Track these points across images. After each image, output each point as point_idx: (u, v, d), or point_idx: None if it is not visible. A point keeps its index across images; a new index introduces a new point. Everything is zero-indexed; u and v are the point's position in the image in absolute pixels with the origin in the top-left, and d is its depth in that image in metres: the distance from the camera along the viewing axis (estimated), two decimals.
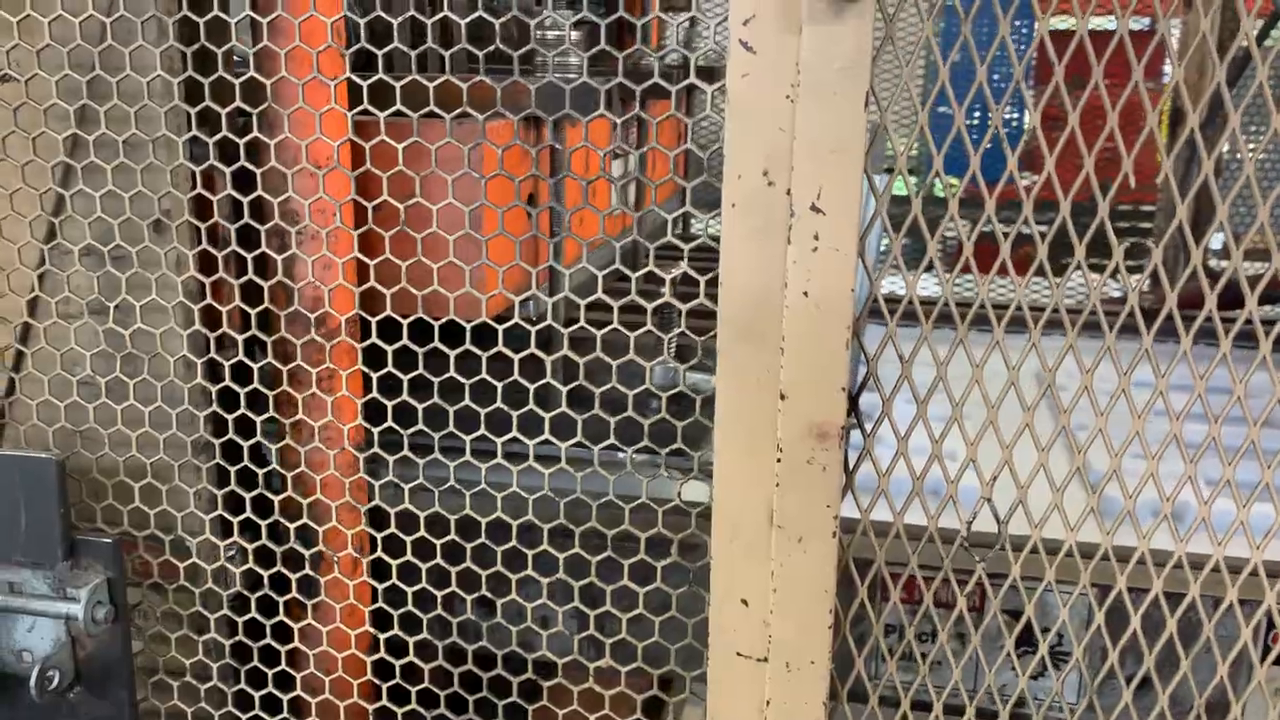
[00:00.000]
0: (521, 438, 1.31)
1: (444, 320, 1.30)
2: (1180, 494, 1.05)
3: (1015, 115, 5.09)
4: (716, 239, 1.03)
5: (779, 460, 1.03)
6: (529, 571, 1.32)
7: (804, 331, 0.99)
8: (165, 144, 1.27)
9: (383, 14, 1.25)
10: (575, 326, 1.25)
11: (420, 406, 1.33)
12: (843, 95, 0.94)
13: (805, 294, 0.99)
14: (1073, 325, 1.00)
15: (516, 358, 1.26)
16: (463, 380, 1.28)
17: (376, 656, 1.47)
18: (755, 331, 1.01)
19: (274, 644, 1.45)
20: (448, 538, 1.33)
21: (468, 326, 1.27)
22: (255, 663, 1.44)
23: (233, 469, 1.38)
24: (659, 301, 1.18)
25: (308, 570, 1.46)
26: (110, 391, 1.36)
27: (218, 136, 1.26)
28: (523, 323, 1.25)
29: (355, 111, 1.29)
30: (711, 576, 1.10)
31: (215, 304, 1.35)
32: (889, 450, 1.09)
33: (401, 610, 1.43)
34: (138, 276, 1.33)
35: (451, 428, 1.31)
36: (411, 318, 1.29)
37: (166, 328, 1.33)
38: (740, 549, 1.07)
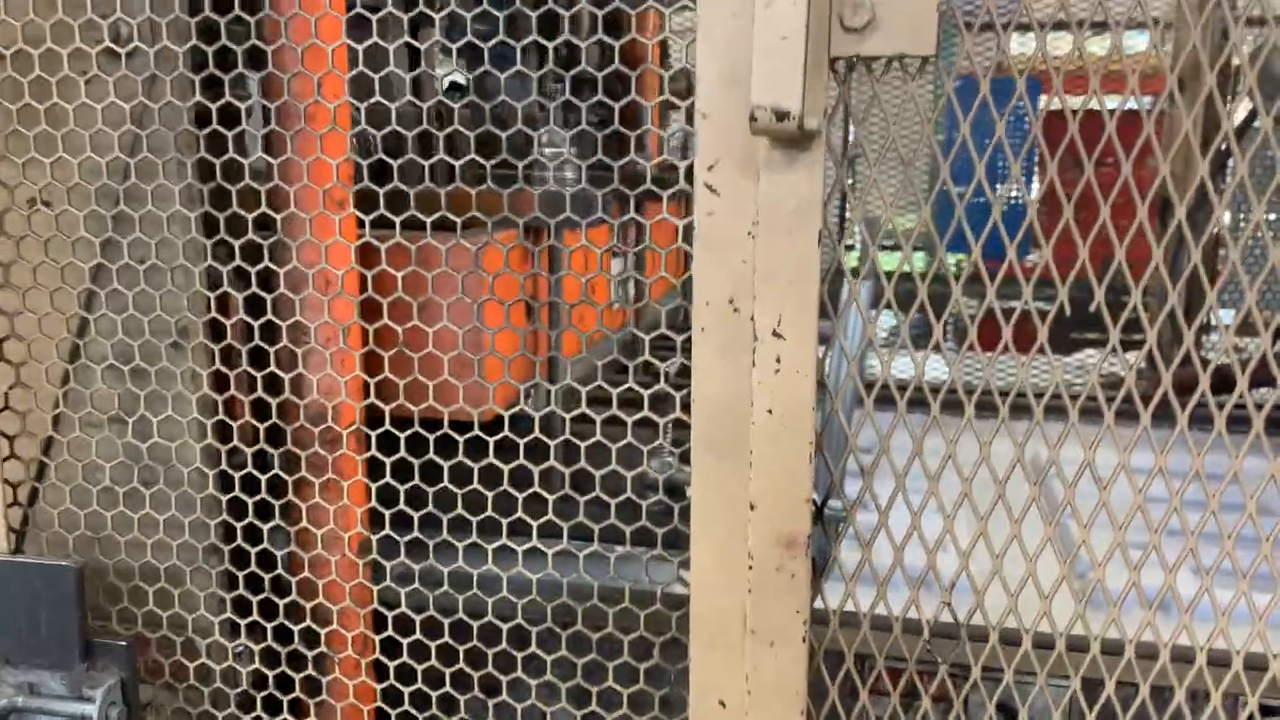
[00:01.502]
0: (510, 544, 1.38)
1: (439, 431, 1.38)
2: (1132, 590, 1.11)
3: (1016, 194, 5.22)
4: None
5: (750, 568, 1.10)
6: (519, 674, 1.38)
7: (770, 447, 1.07)
8: (183, 271, 1.37)
9: (383, 151, 1.36)
10: (561, 439, 1.33)
11: (416, 514, 1.40)
12: (797, 232, 1.03)
13: (770, 411, 1.06)
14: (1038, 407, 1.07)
15: (506, 468, 1.35)
16: (455, 490, 1.36)
17: None
18: (725, 445, 1.09)
19: None
20: (441, 640, 1.40)
21: (460, 439, 1.35)
22: None
23: (241, 573, 1.45)
24: (653, 390, 1.26)
25: (311, 671, 1.52)
26: (128, 499, 1.44)
27: (231, 265, 1.36)
28: (512, 436, 1.33)
29: (359, 242, 1.40)
30: (691, 677, 1.16)
31: (228, 419, 1.44)
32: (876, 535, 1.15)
33: (399, 710, 1.48)
34: (155, 392, 1.41)
35: (445, 534, 1.38)
36: (409, 431, 1.37)
37: (182, 441, 1.42)
38: (717, 652, 1.14)
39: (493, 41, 1.41)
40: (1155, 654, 1.11)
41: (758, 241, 1.05)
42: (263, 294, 1.37)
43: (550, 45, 1.21)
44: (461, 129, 1.38)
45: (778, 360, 1.05)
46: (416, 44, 1.95)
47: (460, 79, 2.76)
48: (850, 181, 1.10)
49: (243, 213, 1.31)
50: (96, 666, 1.28)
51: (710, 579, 1.12)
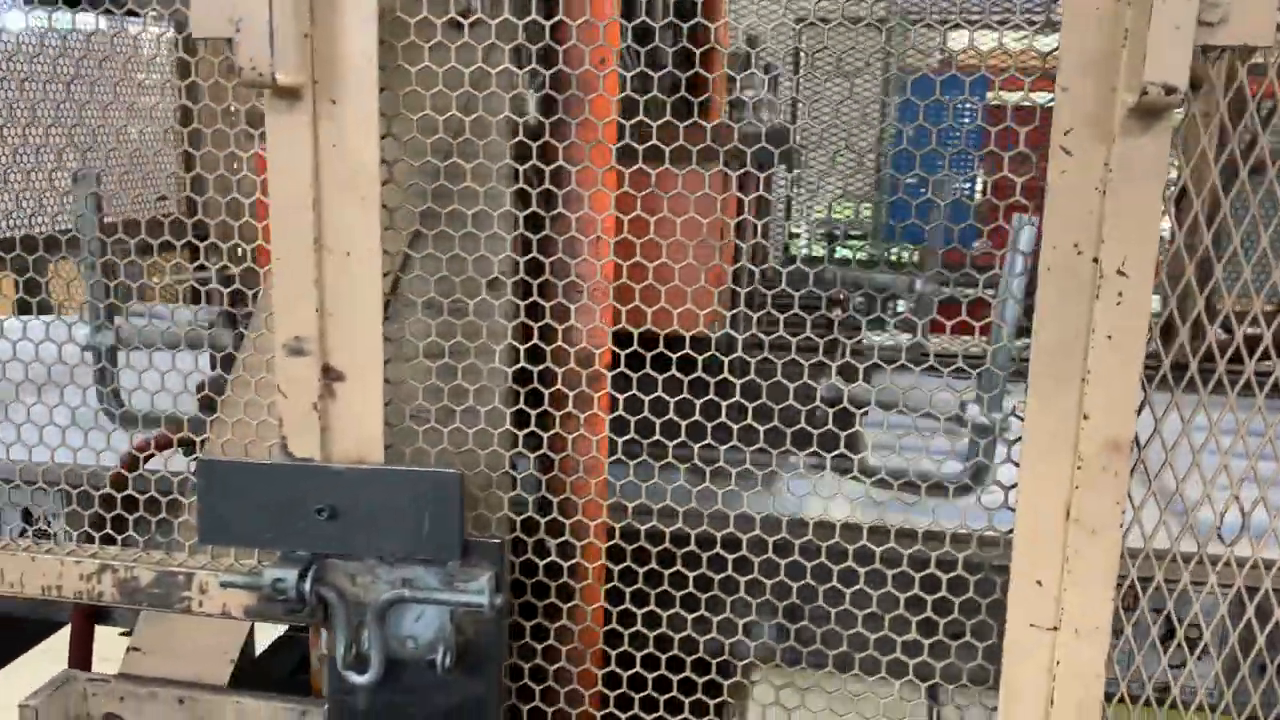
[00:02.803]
0: (714, 443, 1.60)
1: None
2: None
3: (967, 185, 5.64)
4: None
5: (1078, 468, 1.33)
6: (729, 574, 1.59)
7: (1106, 367, 1.29)
8: (498, 221, 1.53)
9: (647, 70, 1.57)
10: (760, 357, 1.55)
11: (632, 419, 1.60)
12: (1145, 188, 1.25)
13: (1109, 337, 1.29)
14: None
15: (713, 380, 1.57)
16: (667, 398, 1.57)
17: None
18: (1064, 367, 1.31)
19: (532, 643, 1.69)
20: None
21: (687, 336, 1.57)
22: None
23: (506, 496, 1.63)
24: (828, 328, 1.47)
25: (566, 579, 1.69)
26: (441, 419, 1.60)
27: (500, 210, 1.54)
28: (718, 354, 1.55)
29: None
30: (1012, 563, 1.38)
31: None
32: None
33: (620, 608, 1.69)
34: (471, 326, 1.57)
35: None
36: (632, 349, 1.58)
37: (491, 367, 1.58)
38: (1038, 539, 1.36)
39: None
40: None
41: (1108, 196, 1.26)
42: (530, 235, 1.57)
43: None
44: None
45: (1119, 295, 1.28)
46: None
47: None
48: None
49: (514, 165, 1.51)
50: (470, 563, 1.46)
51: (1039, 477, 1.35)
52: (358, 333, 1.45)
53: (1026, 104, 1.45)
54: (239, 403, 1.55)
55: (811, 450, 1.63)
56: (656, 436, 1.60)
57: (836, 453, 1.60)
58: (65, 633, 2.97)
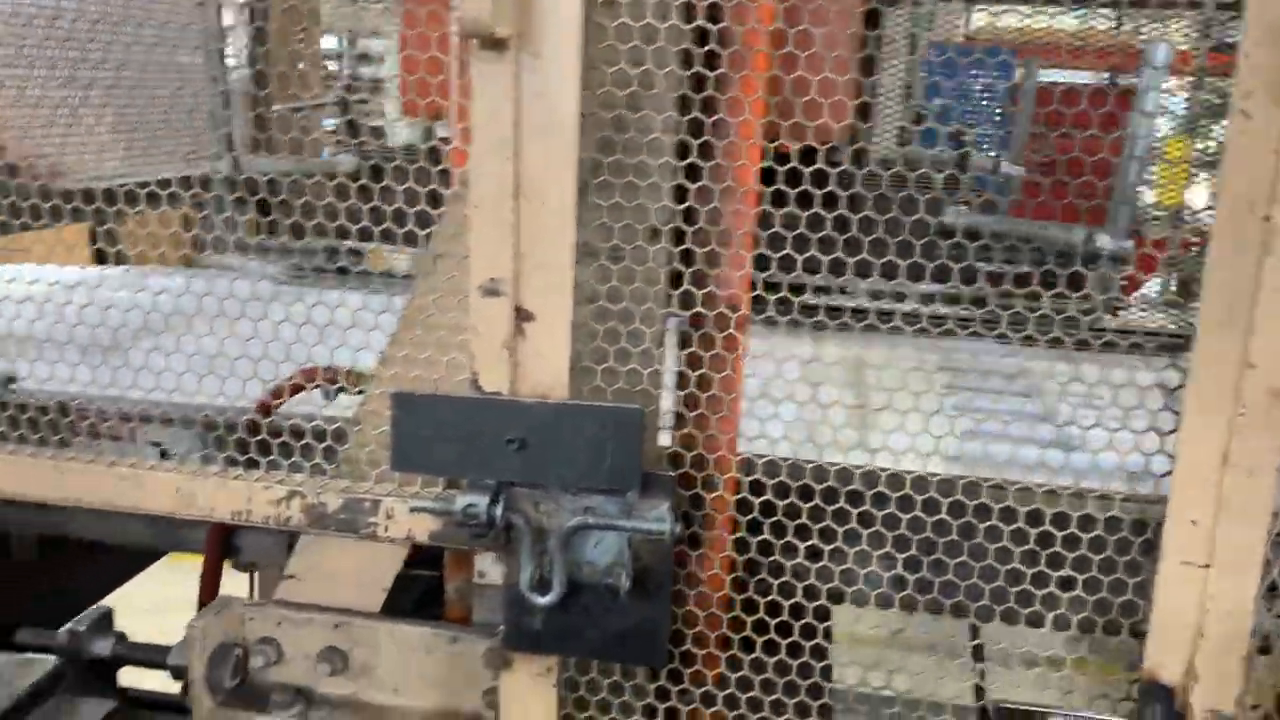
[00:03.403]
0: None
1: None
2: None
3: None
4: None
5: (1241, 415, 1.41)
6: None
7: (1273, 319, 1.37)
8: (661, 172, 1.60)
9: None
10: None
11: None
12: None
13: (1277, 292, 1.36)
14: None
15: (845, 194, 1.60)
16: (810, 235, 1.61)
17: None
18: (1232, 319, 1.39)
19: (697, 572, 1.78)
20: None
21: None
22: None
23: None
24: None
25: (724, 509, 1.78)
26: (618, 359, 1.67)
27: (682, 163, 1.60)
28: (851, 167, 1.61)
29: None
30: (1169, 507, 1.47)
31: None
32: None
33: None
34: (650, 272, 1.65)
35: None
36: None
37: (665, 311, 1.66)
38: (1196, 482, 1.44)
39: None
40: None
41: None
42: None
43: None
44: None
45: None
46: None
47: None
48: None
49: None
50: (648, 494, 1.55)
51: (1201, 422, 1.43)
52: (549, 277, 1.53)
53: None
54: (425, 341, 1.64)
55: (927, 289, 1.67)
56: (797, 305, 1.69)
57: (951, 285, 1.64)
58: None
